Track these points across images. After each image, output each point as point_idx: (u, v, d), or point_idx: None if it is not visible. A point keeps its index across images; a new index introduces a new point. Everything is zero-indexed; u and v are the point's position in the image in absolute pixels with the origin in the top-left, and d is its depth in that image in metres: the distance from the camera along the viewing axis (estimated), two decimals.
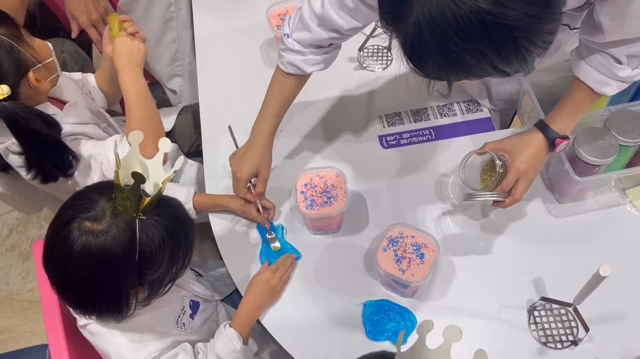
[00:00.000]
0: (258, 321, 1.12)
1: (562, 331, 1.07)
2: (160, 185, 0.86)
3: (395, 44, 0.76)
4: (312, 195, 1.13)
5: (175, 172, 0.90)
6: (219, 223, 1.26)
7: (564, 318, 1.08)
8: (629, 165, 1.19)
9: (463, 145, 1.29)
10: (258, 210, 1.19)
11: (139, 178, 0.82)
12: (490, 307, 1.11)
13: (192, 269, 1.29)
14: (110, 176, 1.22)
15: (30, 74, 1.11)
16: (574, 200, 1.20)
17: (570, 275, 1.11)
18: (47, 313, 1.09)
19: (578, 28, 1.01)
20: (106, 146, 1.21)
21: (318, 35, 1.03)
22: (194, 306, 1.16)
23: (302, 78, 1.14)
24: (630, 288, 1.10)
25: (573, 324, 1.07)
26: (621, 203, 1.20)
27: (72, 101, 1.27)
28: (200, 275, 1.31)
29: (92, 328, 0.99)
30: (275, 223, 1.23)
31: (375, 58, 1.46)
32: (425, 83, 0.80)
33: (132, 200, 0.84)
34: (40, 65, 1.13)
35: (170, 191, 1.17)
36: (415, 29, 0.69)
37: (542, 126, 1.05)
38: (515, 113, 1.39)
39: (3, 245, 2.11)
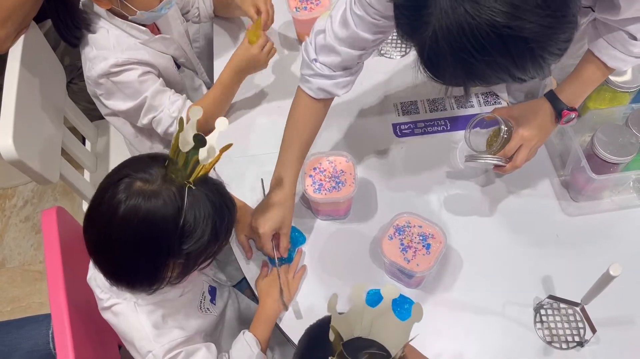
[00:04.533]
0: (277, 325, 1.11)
1: (568, 332, 1.04)
2: (217, 152, 0.85)
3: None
4: (321, 179, 1.12)
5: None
6: None
7: (571, 318, 1.05)
8: None
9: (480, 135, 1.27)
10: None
11: (200, 141, 0.81)
12: (496, 303, 1.09)
13: None
14: (156, 128, 1.29)
15: None
16: (589, 199, 1.17)
17: (580, 274, 1.07)
18: (52, 285, 1.09)
19: None
20: (170, 103, 1.27)
21: (347, 56, 1.01)
22: (212, 291, 1.16)
23: (328, 102, 1.12)
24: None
25: (580, 324, 1.04)
26: (638, 205, 1.17)
27: (168, 35, 1.34)
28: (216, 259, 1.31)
29: (117, 308, 0.97)
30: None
31: (394, 45, 1.44)
32: (443, 88, 0.81)
33: (184, 169, 0.83)
34: None
35: None
36: (432, 42, 0.70)
37: (551, 96, 1.06)
38: None
39: (17, 216, 2.14)
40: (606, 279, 0.84)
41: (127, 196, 0.81)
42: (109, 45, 1.22)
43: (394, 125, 1.32)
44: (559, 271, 1.11)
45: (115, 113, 1.35)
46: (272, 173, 1.12)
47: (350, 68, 1.06)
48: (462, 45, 0.68)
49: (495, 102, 1.34)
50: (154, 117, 1.28)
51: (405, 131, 1.31)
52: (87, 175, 1.72)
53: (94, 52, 1.23)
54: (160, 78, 1.29)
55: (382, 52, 1.43)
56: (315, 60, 1.04)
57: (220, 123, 0.91)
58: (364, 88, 1.38)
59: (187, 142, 0.83)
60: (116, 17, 1.22)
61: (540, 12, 0.66)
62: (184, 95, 1.31)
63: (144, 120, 1.29)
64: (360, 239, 1.17)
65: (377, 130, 1.31)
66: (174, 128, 1.28)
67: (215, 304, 1.15)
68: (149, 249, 0.84)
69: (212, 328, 1.13)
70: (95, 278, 0.99)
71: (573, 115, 1.05)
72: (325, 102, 1.11)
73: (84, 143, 1.77)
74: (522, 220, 1.17)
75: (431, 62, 0.73)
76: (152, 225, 0.82)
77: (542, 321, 1.06)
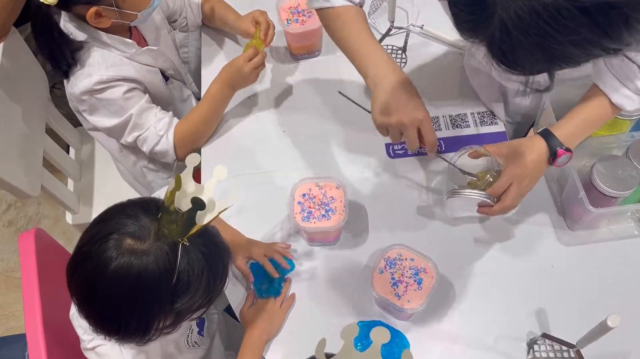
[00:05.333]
0: None
1: None
2: (215, 213, 0.79)
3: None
4: (310, 207, 1.08)
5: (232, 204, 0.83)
6: None
7: (565, 354, 1.03)
8: None
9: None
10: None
11: (199, 204, 0.76)
12: (488, 336, 1.06)
13: None
14: (141, 147, 1.25)
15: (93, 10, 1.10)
16: (586, 228, 1.14)
17: (576, 309, 1.06)
18: (28, 311, 1.05)
19: None
20: (156, 121, 1.23)
21: None
22: (200, 323, 1.12)
23: (357, 9, 1.01)
24: (638, 329, 1.04)
25: None
26: (636, 235, 1.14)
27: (155, 47, 1.29)
28: None
29: (101, 349, 0.93)
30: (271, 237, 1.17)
31: (393, 56, 1.38)
32: (523, 82, 0.73)
33: (179, 224, 0.78)
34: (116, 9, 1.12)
35: None
36: (503, 34, 0.62)
37: (546, 134, 0.98)
38: (530, 128, 1.32)
39: (0, 221, 2.09)
40: (603, 328, 0.81)
41: (118, 255, 0.76)
42: (93, 62, 1.17)
43: (387, 146, 1.27)
44: (554, 305, 1.08)
45: (98, 129, 1.30)
46: (365, 75, 0.99)
47: None
48: (541, 30, 0.60)
49: (491, 122, 1.30)
50: (140, 136, 1.23)
51: (399, 152, 1.27)
52: (70, 184, 1.68)
53: (77, 69, 1.17)
54: (147, 95, 1.24)
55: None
56: None
57: (219, 172, 0.85)
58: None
59: (183, 203, 0.78)
60: (101, 33, 1.16)
61: None
62: (171, 113, 1.26)
63: (128, 138, 1.24)
64: (351, 266, 1.14)
65: (370, 150, 1.27)
66: (161, 147, 1.24)
67: (203, 336, 1.11)
68: (139, 307, 0.79)
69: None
70: (77, 318, 0.94)
71: (568, 156, 0.97)
72: (349, 9, 0.99)
73: (67, 150, 1.72)
74: (517, 249, 1.14)
75: (506, 56, 0.65)
76: (142, 284, 0.77)
77: (534, 358, 1.03)
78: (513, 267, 1.12)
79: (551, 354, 1.03)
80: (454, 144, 1.27)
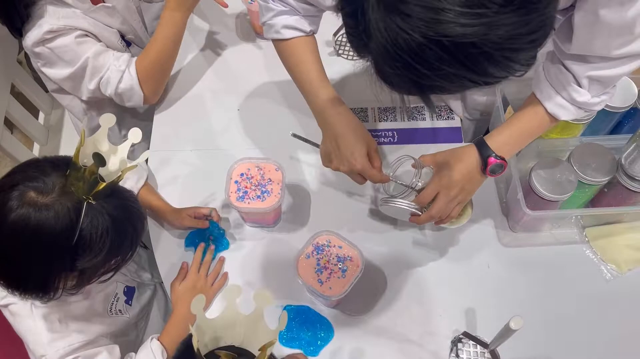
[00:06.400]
0: None
1: None
2: (120, 173, 0.80)
3: None
4: (246, 187, 1.07)
5: (138, 164, 0.85)
6: None
7: (487, 355, 1.01)
8: (593, 202, 1.10)
9: (425, 153, 1.21)
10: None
11: (99, 160, 0.76)
12: (415, 332, 1.05)
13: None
14: (105, 91, 1.23)
15: None
16: (527, 231, 1.12)
17: (506, 311, 1.03)
18: None
19: None
20: (114, 59, 1.20)
21: None
22: (129, 291, 1.12)
23: (304, 40, 1.01)
24: (564, 334, 1.03)
25: None
26: (578, 241, 1.12)
27: (110, 4, 1.25)
28: (146, 247, 1.27)
29: (13, 308, 0.94)
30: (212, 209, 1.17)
31: None
32: (398, 98, 0.71)
33: (85, 182, 0.78)
34: None
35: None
36: (376, 62, 0.62)
37: (479, 142, 0.95)
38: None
39: None
40: (507, 331, 0.80)
41: (18, 205, 0.76)
42: (44, 15, 1.14)
43: None
44: (484, 305, 1.06)
45: (61, 88, 1.29)
46: (314, 119, 1.03)
47: (311, 4, 0.97)
48: (406, 64, 0.59)
49: (448, 117, 1.28)
50: (102, 78, 1.21)
51: None
52: (36, 148, 1.68)
53: (30, 24, 1.16)
54: (102, 42, 1.22)
55: (339, 52, 1.36)
56: None
57: (134, 134, 0.86)
58: None
59: (89, 156, 0.78)
60: None
61: (480, 11, 0.55)
62: (129, 53, 1.24)
63: (90, 85, 1.21)
64: (287, 251, 1.13)
65: (320, 137, 1.25)
66: (124, 84, 1.21)
67: (131, 305, 1.11)
68: (37, 261, 0.79)
69: (125, 330, 1.10)
70: None
71: (501, 165, 0.93)
72: (299, 40, 1.01)
73: (37, 115, 1.72)
74: (456, 247, 1.13)
75: (383, 76, 0.65)
76: (40, 239, 0.77)
77: (457, 356, 1.02)
78: (449, 265, 1.11)
79: (472, 353, 1.02)
80: (408, 136, 1.26)
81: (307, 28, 1.00)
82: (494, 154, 0.92)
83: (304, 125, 1.26)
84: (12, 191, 0.77)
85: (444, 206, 0.95)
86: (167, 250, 1.15)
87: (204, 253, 1.12)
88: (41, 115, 1.74)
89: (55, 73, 1.21)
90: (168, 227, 1.17)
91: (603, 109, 1.07)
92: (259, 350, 0.68)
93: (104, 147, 0.81)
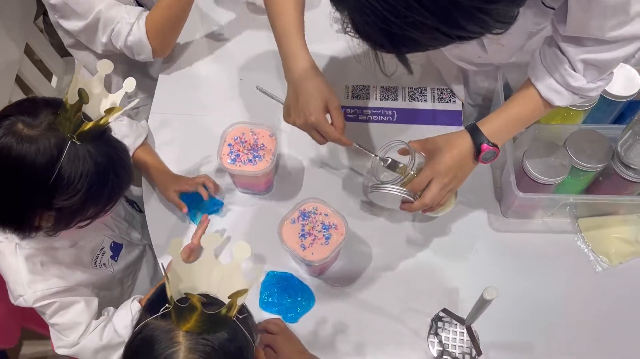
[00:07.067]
0: None
1: (459, 349, 0.99)
2: (104, 115, 0.82)
3: None
4: (239, 150, 1.08)
5: (129, 98, 0.85)
6: None
7: (465, 335, 1.00)
8: (588, 192, 1.08)
9: (422, 135, 1.19)
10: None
11: (82, 97, 0.78)
12: (397, 308, 1.04)
13: (131, 204, 1.27)
14: (116, 44, 1.25)
15: None
16: (519, 217, 1.11)
17: None
18: None
19: None
20: (125, 13, 1.22)
21: None
22: (116, 247, 1.13)
23: None
24: (547, 321, 1.01)
25: (469, 344, 0.99)
26: (570, 231, 1.10)
27: None
28: (140, 211, 1.29)
29: None
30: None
31: None
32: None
33: (72, 121, 0.80)
34: None
35: (122, 131, 1.14)
36: (351, 13, 0.64)
37: (472, 128, 0.92)
38: None
39: None
40: (482, 303, 0.79)
41: (4, 134, 0.79)
42: None
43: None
44: (469, 285, 1.05)
45: (77, 43, 1.32)
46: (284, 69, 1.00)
47: None
48: (374, 10, 0.60)
49: (449, 100, 1.27)
50: (113, 30, 1.23)
51: (350, 115, 1.25)
52: None
53: None
54: None
55: (347, 29, 1.35)
56: None
57: (128, 83, 0.87)
58: (319, 64, 1.31)
59: (74, 95, 0.79)
60: None
61: None
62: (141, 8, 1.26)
63: (103, 38, 1.24)
64: (276, 219, 1.11)
65: None
66: (133, 37, 1.23)
67: (116, 261, 1.12)
68: (14, 192, 0.81)
69: (108, 284, 1.11)
70: None
71: (494, 151, 0.91)
72: None
73: (51, 79, 1.76)
74: (444, 228, 1.12)
75: (356, 27, 0.66)
76: (19, 170, 0.79)
77: (437, 334, 1.01)
78: (437, 245, 1.10)
79: (451, 333, 1.01)
80: (407, 116, 1.25)
81: None
82: (486, 141, 0.91)
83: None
84: (4, 121, 0.80)
85: (437, 193, 0.93)
86: (159, 213, 1.16)
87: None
88: (54, 79, 1.77)
89: (71, 25, 1.24)
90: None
91: (604, 98, 1.06)
92: (228, 297, 0.68)
93: (95, 90, 0.82)
